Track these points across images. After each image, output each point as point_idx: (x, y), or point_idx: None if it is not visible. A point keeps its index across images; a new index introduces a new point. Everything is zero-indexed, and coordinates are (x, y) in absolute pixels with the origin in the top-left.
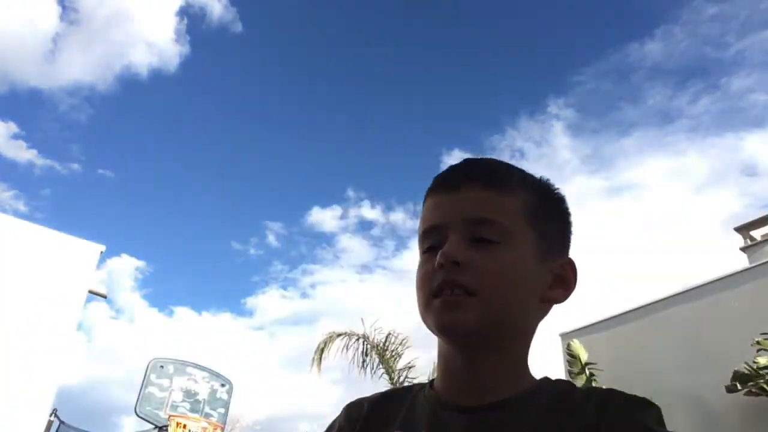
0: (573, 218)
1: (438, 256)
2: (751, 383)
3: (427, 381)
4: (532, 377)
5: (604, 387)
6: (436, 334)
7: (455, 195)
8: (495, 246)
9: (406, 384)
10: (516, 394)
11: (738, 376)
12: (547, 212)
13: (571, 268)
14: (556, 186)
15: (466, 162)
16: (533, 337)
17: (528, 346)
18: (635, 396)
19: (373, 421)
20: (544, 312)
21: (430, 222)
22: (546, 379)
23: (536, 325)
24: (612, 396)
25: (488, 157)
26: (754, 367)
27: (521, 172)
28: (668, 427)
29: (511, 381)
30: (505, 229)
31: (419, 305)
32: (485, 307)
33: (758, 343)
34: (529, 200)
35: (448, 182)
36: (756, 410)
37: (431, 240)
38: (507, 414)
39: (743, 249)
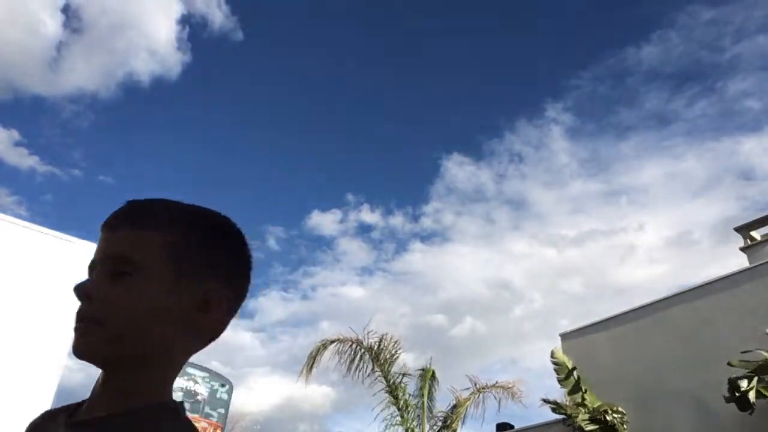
0: (231, 250)
1: (73, 291)
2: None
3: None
4: (155, 399)
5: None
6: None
7: (109, 235)
8: (129, 279)
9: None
10: (117, 412)
11: (733, 385)
12: (193, 247)
13: (216, 294)
14: (219, 221)
15: (126, 204)
16: (182, 359)
17: (165, 369)
18: None
19: None
20: (195, 335)
21: (91, 259)
22: (158, 407)
23: (183, 349)
24: None
25: (153, 198)
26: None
27: (176, 210)
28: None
29: (130, 399)
30: (141, 263)
31: None
32: (111, 336)
33: (730, 364)
34: (172, 237)
35: (106, 224)
36: (756, 410)
37: (88, 275)
38: (93, 430)
39: (743, 249)
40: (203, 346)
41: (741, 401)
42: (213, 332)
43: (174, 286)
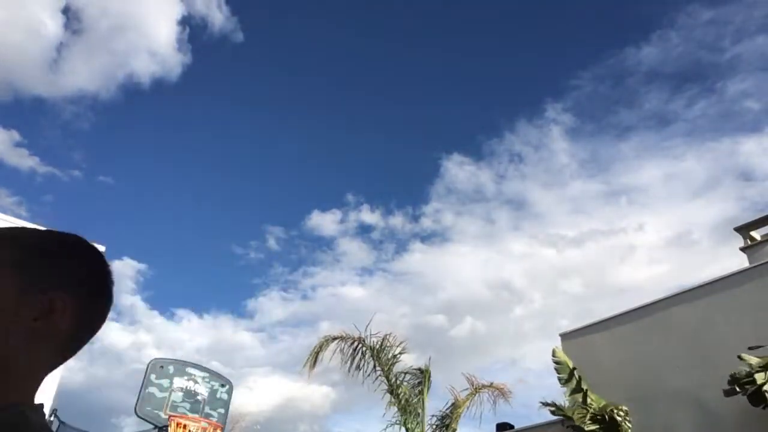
0: (79, 264)
1: None
2: (749, 386)
3: None
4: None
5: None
6: None
7: None
8: None
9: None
10: None
11: (735, 380)
12: (36, 261)
13: (60, 303)
14: (67, 239)
15: None
16: (33, 368)
17: (9, 376)
18: None
19: None
20: (40, 341)
21: None
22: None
23: (30, 357)
24: None
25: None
26: (748, 370)
27: (21, 232)
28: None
29: None
30: None
31: None
32: None
33: (740, 357)
34: (14, 254)
35: None
36: (756, 410)
37: None
38: None
39: (743, 249)
40: (58, 356)
41: (753, 396)
42: (61, 340)
43: (16, 297)
